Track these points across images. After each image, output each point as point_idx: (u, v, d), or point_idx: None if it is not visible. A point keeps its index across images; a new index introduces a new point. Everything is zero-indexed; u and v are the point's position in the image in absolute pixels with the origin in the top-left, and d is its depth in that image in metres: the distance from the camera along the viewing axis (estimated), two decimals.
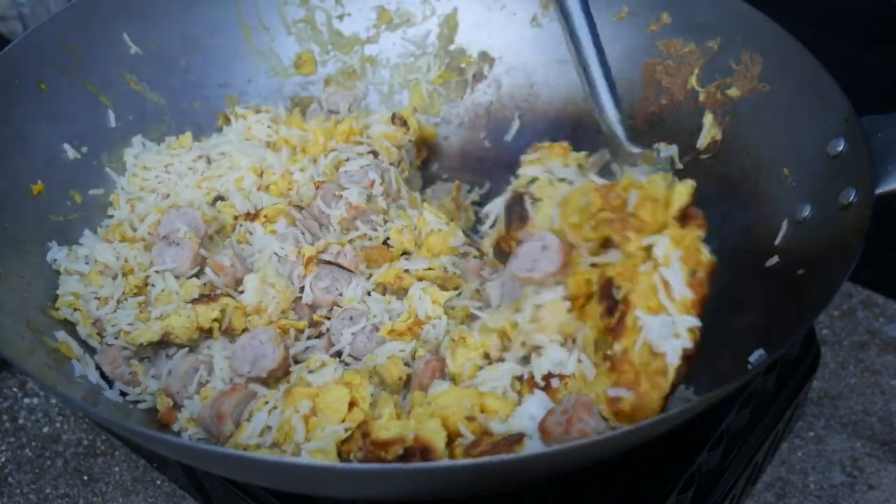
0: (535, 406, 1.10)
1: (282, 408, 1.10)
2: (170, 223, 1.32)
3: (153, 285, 1.26)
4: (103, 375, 1.21)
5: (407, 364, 1.18)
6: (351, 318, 1.22)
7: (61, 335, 1.19)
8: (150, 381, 1.22)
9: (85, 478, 1.39)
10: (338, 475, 0.96)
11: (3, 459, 1.40)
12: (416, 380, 1.16)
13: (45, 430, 1.44)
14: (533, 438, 1.06)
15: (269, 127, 1.50)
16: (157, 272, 1.27)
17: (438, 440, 1.02)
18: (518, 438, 1.04)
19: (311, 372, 1.15)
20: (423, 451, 1.02)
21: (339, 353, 1.22)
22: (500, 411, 1.09)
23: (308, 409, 1.08)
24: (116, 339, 1.23)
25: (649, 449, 1.12)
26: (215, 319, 1.21)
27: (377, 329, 1.21)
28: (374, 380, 1.17)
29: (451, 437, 1.07)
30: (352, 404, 1.10)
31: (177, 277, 1.27)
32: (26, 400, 1.48)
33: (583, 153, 1.31)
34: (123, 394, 1.21)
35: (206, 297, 1.21)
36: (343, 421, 1.08)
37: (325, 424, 1.07)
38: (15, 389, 1.49)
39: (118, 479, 1.38)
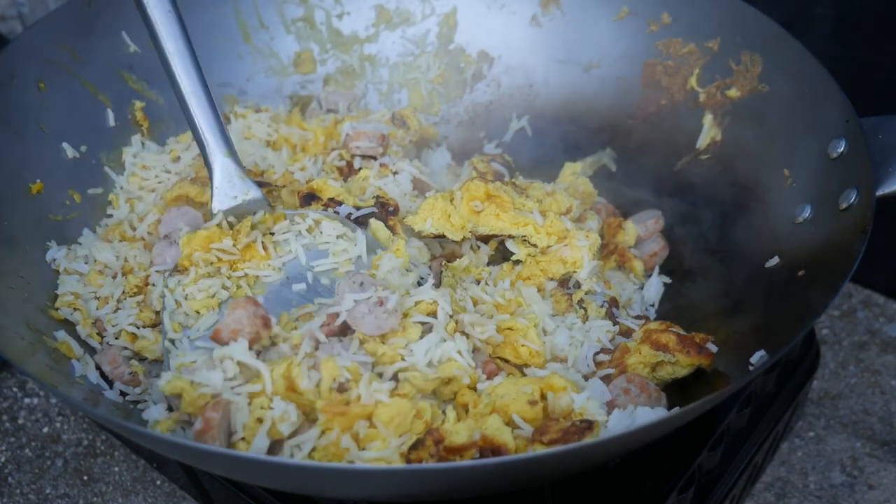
0: (595, 391, 1.13)
1: (325, 428, 1.03)
2: (171, 222, 1.31)
3: (153, 285, 1.26)
4: (103, 375, 1.21)
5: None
6: (361, 284, 1.16)
7: (61, 335, 1.19)
8: (150, 381, 1.22)
9: (85, 478, 1.39)
10: (345, 476, 0.95)
11: (3, 459, 1.40)
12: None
13: (45, 430, 1.44)
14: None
15: (269, 126, 1.49)
16: (157, 272, 1.27)
17: (507, 437, 1.02)
18: (588, 425, 1.04)
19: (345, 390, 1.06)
20: (495, 451, 1.02)
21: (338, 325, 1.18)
22: (569, 387, 1.09)
23: (365, 427, 1.03)
24: (117, 338, 1.23)
25: (649, 449, 1.12)
26: None
27: (382, 303, 1.14)
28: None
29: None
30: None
31: None
32: (26, 400, 1.48)
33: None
34: (123, 394, 1.21)
35: None
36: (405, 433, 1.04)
37: (388, 437, 1.03)
38: (15, 389, 1.49)
39: (118, 479, 1.38)
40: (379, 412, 1.03)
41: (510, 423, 1.08)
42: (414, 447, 1.02)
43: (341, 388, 1.04)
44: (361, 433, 1.02)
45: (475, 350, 1.19)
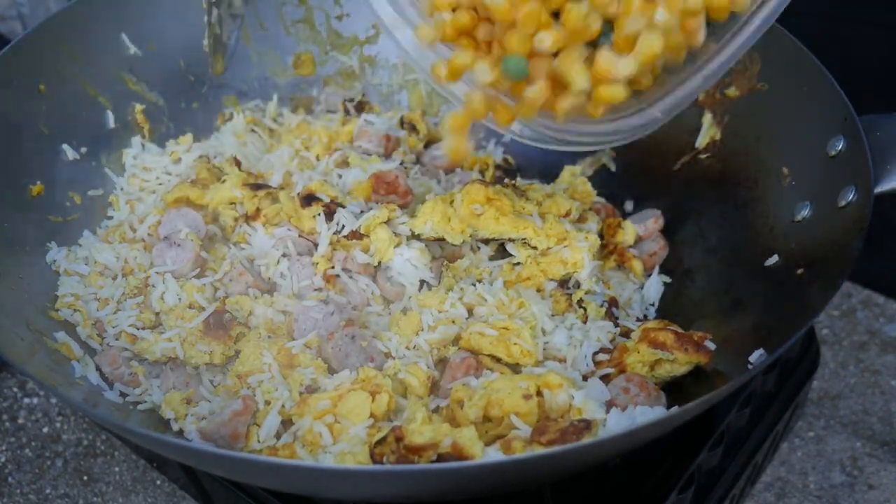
0: (594, 391, 1.13)
1: (298, 415, 1.11)
2: (170, 223, 1.32)
3: (153, 286, 1.26)
4: (103, 376, 1.21)
5: (429, 366, 1.19)
6: (353, 337, 1.21)
7: (61, 336, 1.19)
8: (150, 381, 1.22)
9: (85, 478, 1.39)
10: (340, 476, 0.95)
11: (3, 459, 1.40)
12: (451, 373, 1.17)
13: (45, 430, 1.44)
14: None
15: (272, 120, 1.51)
16: (157, 273, 1.27)
17: (477, 450, 1.02)
18: (587, 425, 1.04)
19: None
20: (461, 459, 1.02)
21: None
22: (565, 384, 1.09)
23: (332, 419, 1.09)
24: (117, 339, 1.23)
25: (649, 449, 1.12)
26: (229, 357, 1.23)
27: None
28: (397, 389, 1.17)
29: (499, 424, 1.08)
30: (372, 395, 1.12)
31: (177, 279, 1.27)
32: (26, 400, 1.48)
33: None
34: (123, 395, 1.21)
35: (220, 327, 1.21)
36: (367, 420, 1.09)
37: (349, 428, 1.08)
38: (15, 389, 1.49)
39: (118, 479, 1.38)
40: (342, 403, 1.09)
41: (503, 423, 1.08)
42: (378, 443, 1.04)
43: (310, 390, 1.15)
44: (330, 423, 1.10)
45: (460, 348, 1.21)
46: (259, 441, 1.11)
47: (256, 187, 1.35)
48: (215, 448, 1.08)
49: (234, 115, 1.50)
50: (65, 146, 1.36)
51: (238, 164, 1.42)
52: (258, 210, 1.34)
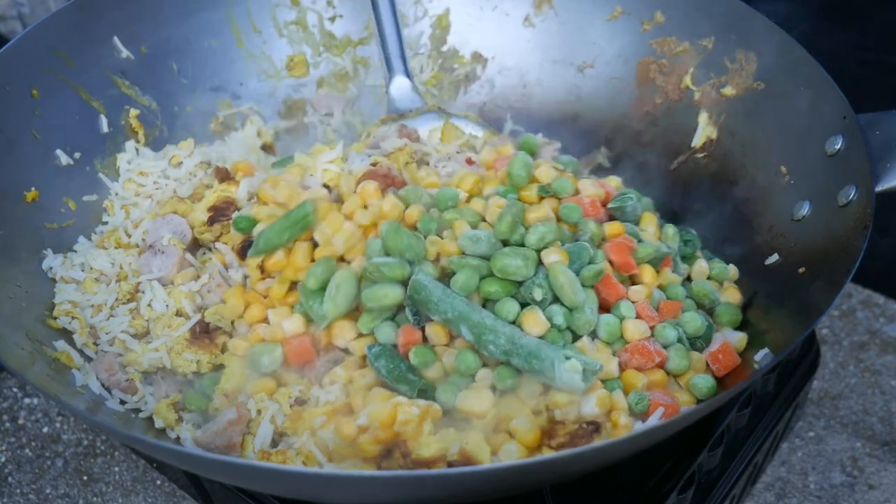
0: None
1: (292, 429, 1.11)
2: (156, 231, 1.31)
3: (143, 293, 1.26)
4: (101, 383, 1.21)
5: None
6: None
7: (60, 344, 1.19)
8: (146, 388, 1.22)
9: (85, 478, 1.39)
10: (345, 482, 0.95)
11: (3, 459, 1.41)
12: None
13: (45, 430, 1.44)
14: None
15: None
16: (147, 280, 1.26)
17: (484, 455, 1.02)
18: (596, 428, 1.04)
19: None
20: (468, 465, 1.02)
21: None
22: (572, 401, 1.08)
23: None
24: (111, 346, 1.23)
25: (650, 449, 1.12)
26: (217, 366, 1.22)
27: None
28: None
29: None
30: None
31: (164, 285, 1.26)
32: (26, 400, 1.48)
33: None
34: (123, 402, 1.21)
35: (205, 336, 1.21)
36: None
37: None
38: (15, 389, 1.49)
39: (118, 479, 1.39)
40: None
41: (507, 430, 1.08)
42: (385, 457, 1.03)
43: (299, 402, 1.14)
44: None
45: None
46: (254, 451, 1.11)
47: (217, 215, 1.31)
48: (225, 457, 1.07)
49: (246, 125, 1.50)
50: (58, 151, 1.36)
51: (227, 173, 1.40)
52: (220, 234, 1.32)
